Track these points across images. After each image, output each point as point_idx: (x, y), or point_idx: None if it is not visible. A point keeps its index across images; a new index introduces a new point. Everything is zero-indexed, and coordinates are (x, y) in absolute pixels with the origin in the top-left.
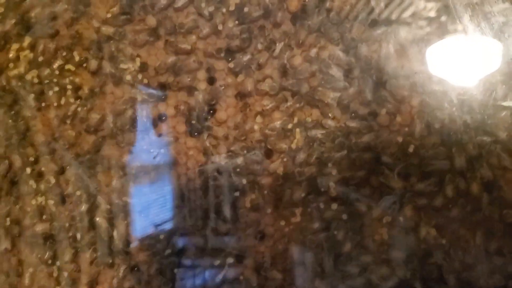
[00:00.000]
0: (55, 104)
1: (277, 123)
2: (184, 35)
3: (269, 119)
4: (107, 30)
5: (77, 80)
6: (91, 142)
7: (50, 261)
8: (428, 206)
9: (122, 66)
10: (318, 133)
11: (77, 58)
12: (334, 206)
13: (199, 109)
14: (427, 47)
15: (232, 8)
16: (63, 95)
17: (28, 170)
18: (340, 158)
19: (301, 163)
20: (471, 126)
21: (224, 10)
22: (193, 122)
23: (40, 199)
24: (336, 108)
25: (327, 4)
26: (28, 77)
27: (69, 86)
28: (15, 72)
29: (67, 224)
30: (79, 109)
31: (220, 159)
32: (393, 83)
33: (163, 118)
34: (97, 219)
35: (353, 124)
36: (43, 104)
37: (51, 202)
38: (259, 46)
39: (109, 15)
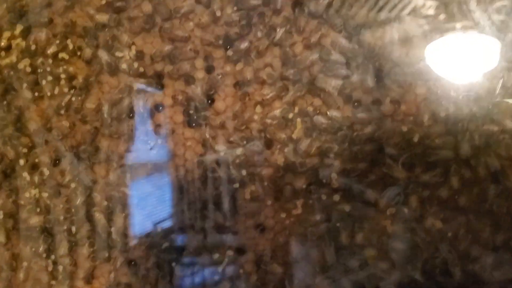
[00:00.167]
0: (49, 94)
1: (278, 113)
2: (180, 22)
3: (269, 109)
4: (102, 17)
5: (71, 69)
6: (86, 133)
7: (45, 255)
8: (433, 197)
9: (118, 54)
10: (320, 122)
11: (71, 47)
12: (336, 197)
13: (197, 98)
14: (432, 36)
15: None
16: (56, 85)
17: (22, 161)
18: (343, 149)
19: (302, 154)
20: (477, 115)
21: None
22: (191, 112)
23: (34, 192)
24: (338, 97)
25: None
26: (21, 66)
27: (63, 76)
28: (7, 61)
29: (62, 217)
30: (73, 99)
31: (219, 150)
32: (397, 71)
33: (160, 108)
34: (93, 212)
35: (356, 113)
36: (36, 94)
37: (45, 194)
38: (259, 34)
39: (103, 2)
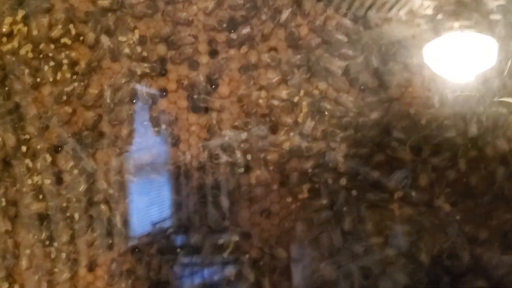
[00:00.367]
0: (51, 79)
1: (283, 97)
2: (184, 6)
3: (275, 93)
4: (104, 2)
5: (73, 54)
6: (88, 119)
7: (47, 242)
8: (441, 180)
9: (121, 39)
10: (326, 106)
11: (73, 32)
12: (343, 181)
13: (201, 83)
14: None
15: None
16: (58, 70)
17: (23, 148)
18: (349, 133)
19: (308, 138)
20: (485, 97)
21: None
22: (195, 97)
23: (36, 179)
24: (344, 80)
25: None
26: (22, 52)
27: (65, 61)
28: (8, 47)
29: (64, 204)
30: (75, 84)
31: (224, 135)
32: (403, 53)
33: (164, 93)
34: (96, 199)
35: (363, 97)
36: (38, 80)
37: (47, 181)
38: (263, 17)
39: None
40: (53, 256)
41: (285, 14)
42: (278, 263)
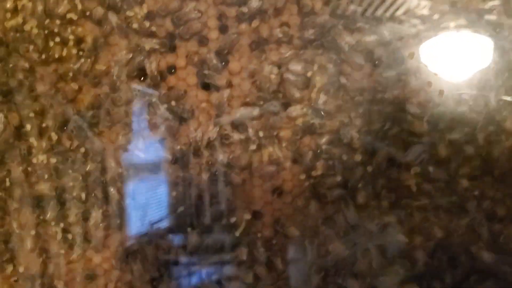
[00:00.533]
0: (56, 56)
1: (296, 72)
2: None
3: (287, 68)
4: None
5: (79, 30)
6: (95, 96)
7: (53, 223)
8: (459, 155)
9: (128, 13)
10: (340, 81)
11: (79, 7)
12: (358, 157)
13: (210, 59)
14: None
15: None
16: (64, 47)
17: (28, 127)
18: (365, 108)
19: (322, 114)
20: (503, 69)
21: None
22: (205, 73)
23: (42, 158)
24: (358, 55)
25: None
26: (27, 28)
27: (71, 37)
28: (12, 22)
29: (71, 184)
30: (82, 61)
31: (235, 111)
32: None
33: (173, 70)
34: (103, 178)
35: (378, 70)
36: (43, 57)
37: (53, 160)
38: None
39: None
40: (59, 237)
41: None
42: (292, 241)
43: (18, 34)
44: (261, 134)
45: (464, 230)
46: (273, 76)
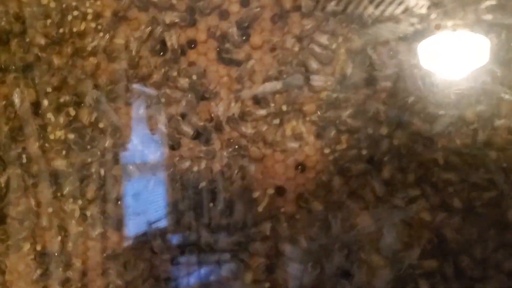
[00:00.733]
0: (74, 30)
1: (320, 44)
2: None
3: (310, 40)
4: None
5: (98, 4)
6: (113, 71)
7: (71, 200)
8: (486, 126)
9: None
10: (366, 53)
11: None
12: (384, 130)
13: (232, 33)
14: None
15: None
16: (83, 21)
17: (45, 102)
18: (391, 80)
19: (347, 87)
20: None
21: None
22: (226, 48)
23: (59, 134)
24: (382, 26)
25: None
26: (44, 1)
27: (89, 11)
28: None
29: (89, 160)
30: (100, 35)
31: (257, 86)
32: None
33: (193, 44)
34: (122, 154)
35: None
36: (60, 31)
37: (71, 136)
38: None
39: None
40: (76, 215)
41: None
42: (316, 216)
43: (34, 9)
44: (284, 108)
45: (493, 203)
46: (296, 49)
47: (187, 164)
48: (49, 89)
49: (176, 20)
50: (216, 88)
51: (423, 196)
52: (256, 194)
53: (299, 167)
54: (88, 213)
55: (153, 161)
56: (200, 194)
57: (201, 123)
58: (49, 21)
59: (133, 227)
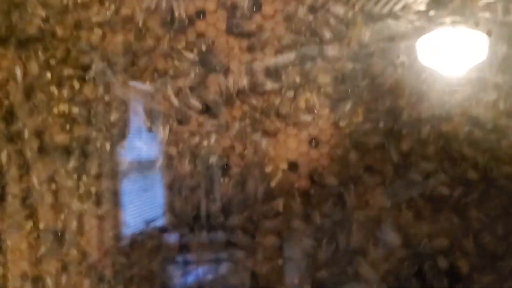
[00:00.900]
0: (79, 1)
1: (335, 14)
2: None
3: (325, 9)
4: None
5: None
6: (119, 43)
7: (75, 176)
8: (509, 98)
9: None
10: (384, 22)
11: None
12: (402, 102)
13: (242, 3)
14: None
15: None
16: None
17: (48, 75)
18: (410, 49)
19: (364, 57)
20: None
21: None
22: (236, 18)
23: (63, 107)
24: None
25: None
26: None
27: None
28: None
29: (94, 134)
30: (106, 5)
31: (269, 57)
32: None
33: (201, 15)
34: (128, 129)
35: (425, 10)
36: (64, 2)
37: (75, 110)
38: None
39: None
40: (81, 191)
41: None
42: (330, 191)
43: None
44: (297, 80)
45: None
46: (310, 18)
47: (196, 139)
48: (52, 62)
49: None
50: (226, 60)
51: (441, 170)
52: (268, 169)
53: (313, 141)
54: (93, 190)
55: (161, 136)
56: (210, 169)
57: (211, 97)
58: None
59: (140, 204)
